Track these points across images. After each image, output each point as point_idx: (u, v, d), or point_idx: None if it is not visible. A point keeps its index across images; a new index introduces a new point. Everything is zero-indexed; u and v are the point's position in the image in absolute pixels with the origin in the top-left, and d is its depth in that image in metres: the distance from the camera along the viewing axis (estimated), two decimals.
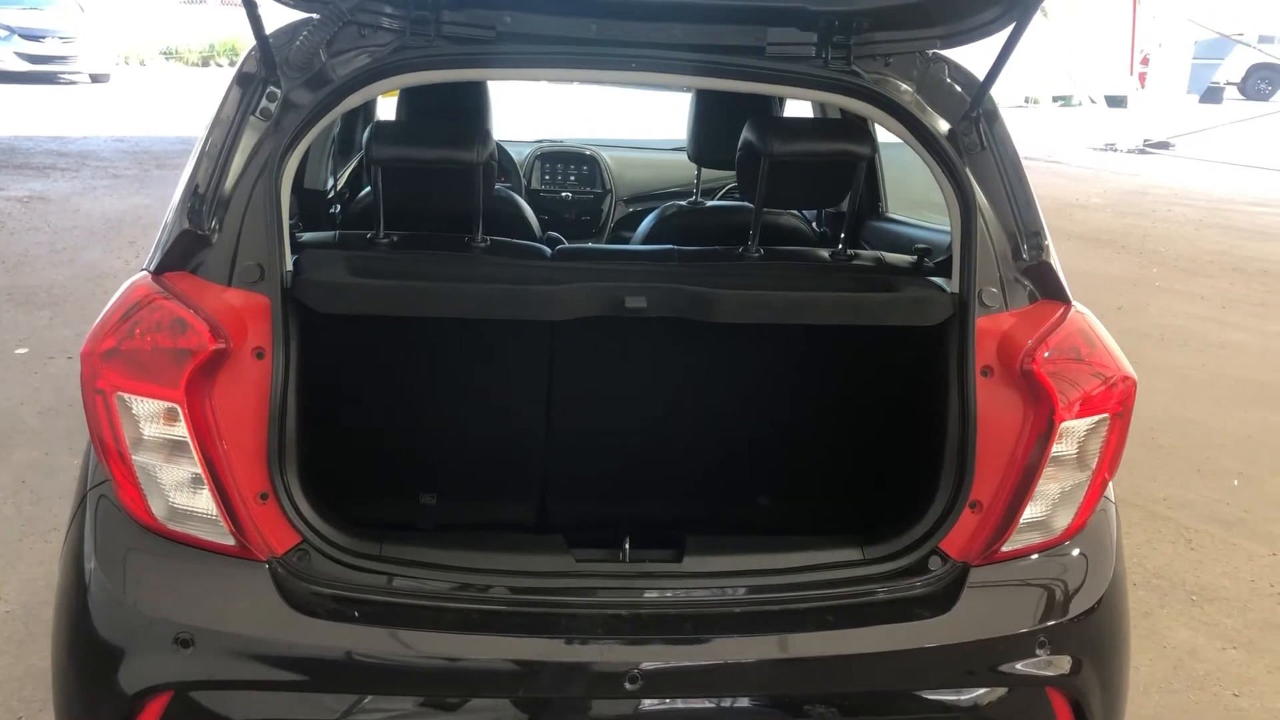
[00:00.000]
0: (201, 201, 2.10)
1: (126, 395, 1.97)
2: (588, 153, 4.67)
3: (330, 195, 3.76)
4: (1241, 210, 13.04)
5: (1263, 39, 26.78)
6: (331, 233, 2.48)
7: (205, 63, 22.59)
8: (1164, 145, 18.17)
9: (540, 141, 4.85)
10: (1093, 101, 22.06)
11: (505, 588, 2.04)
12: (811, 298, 2.29)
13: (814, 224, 3.52)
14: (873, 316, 2.28)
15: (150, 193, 10.28)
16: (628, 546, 2.17)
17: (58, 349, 6.04)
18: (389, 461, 2.62)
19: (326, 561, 2.04)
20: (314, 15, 2.19)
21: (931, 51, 2.36)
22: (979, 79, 2.37)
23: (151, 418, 1.98)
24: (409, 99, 3.07)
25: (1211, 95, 27.18)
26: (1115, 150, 18.00)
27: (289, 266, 2.14)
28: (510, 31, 2.24)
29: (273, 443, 2.02)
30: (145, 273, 2.13)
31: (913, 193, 3.63)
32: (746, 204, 3.81)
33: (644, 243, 3.31)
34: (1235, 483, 5.13)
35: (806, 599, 2.11)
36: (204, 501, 2.01)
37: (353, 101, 2.22)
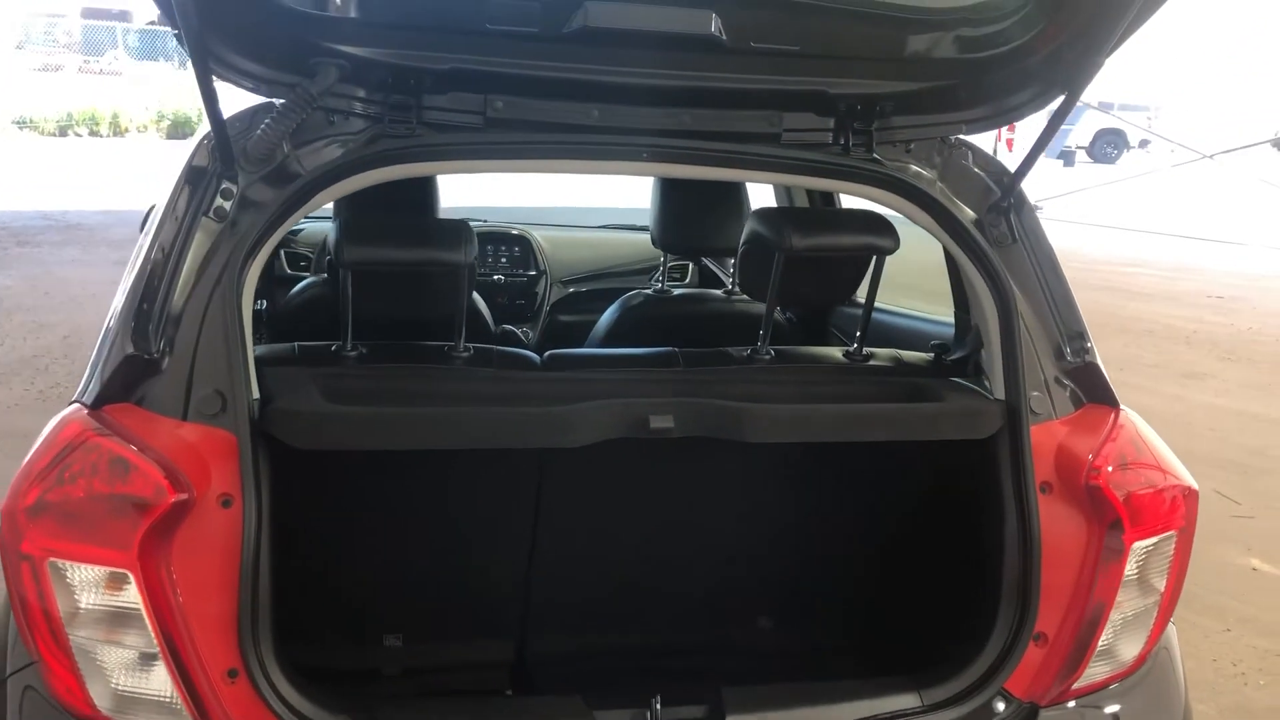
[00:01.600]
0: (148, 319, 1.77)
1: (61, 561, 1.61)
2: (516, 232, 4.41)
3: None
4: (1118, 270, 13.48)
5: (1103, 105, 28.13)
6: (289, 345, 2.15)
7: (63, 132, 21.57)
8: (1035, 208, 18.74)
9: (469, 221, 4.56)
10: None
11: None
12: (856, 412, 2.06)
13: (781, 311, 3.32)
14: (923, 431, 2.06)
15: (11, 272, 9.57)
16: (658, 706, 1.89)
17: None
18: (349, 602, 2.29)
19: None
20: (275, 100, 1.90)
21: (954, 137, 2.18)
22: (1003, 165, 2.21)
23: (92, 585, 1.64)
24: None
25: (1066, 158, 28.41)
26: None
27: (255, 394, 1.81)
28: (501, 118, 1.98)
29: (245, 609, 1.68)
30: (78, 405, 1.78)
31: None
32: (712, 291, 3.62)
33: (608, 335, 3.06)
34: None
35: None
36: (159, 683, 1.67)
37: (322, 200, 1.93)
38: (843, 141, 2.10)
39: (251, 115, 1.92)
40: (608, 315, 3.12)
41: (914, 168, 2.15)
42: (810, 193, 3.35)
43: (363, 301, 2.11)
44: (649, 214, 3.15)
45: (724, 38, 1.89)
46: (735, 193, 3.03)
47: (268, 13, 1.76)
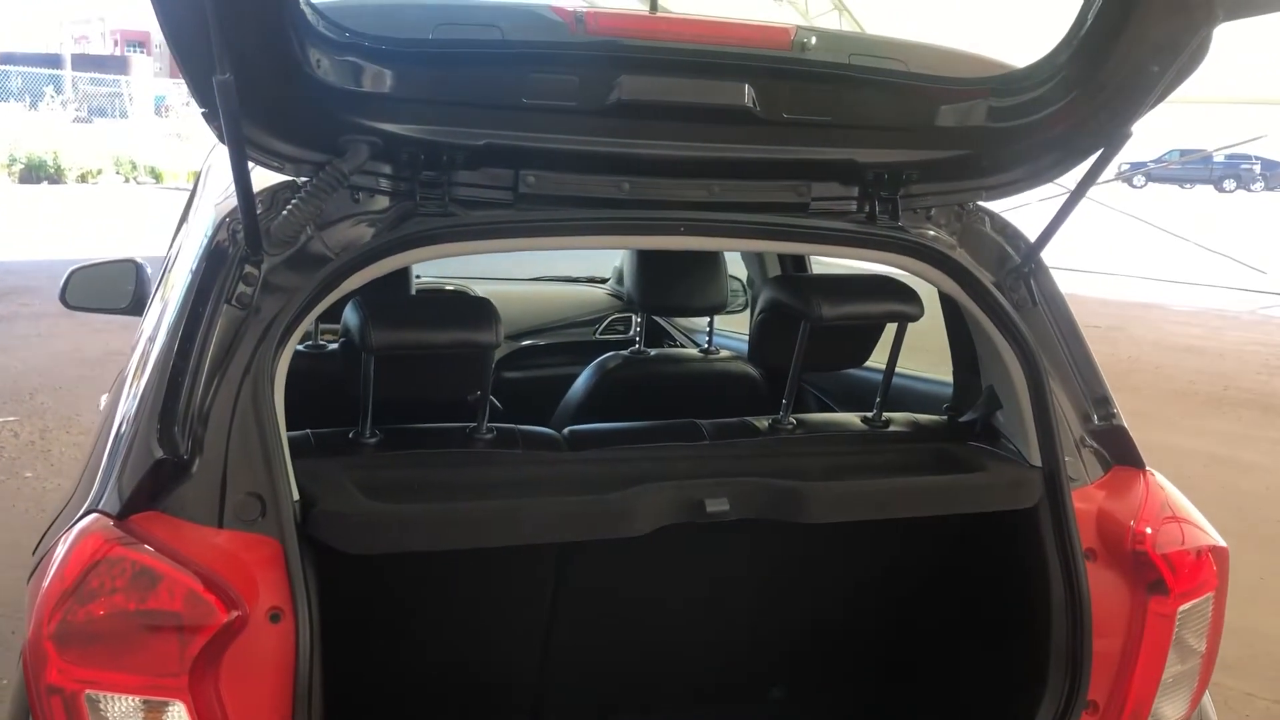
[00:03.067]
0: (173, 418, 1.63)
1: (98, 693, 1.46)
2: (451, 289, 4.28)
3: None
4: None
5: None
6: (302, 433, 2.01)
7: None
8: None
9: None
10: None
11: None
12: (909, 487, 2.03)
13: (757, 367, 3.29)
14: (973, 503, 2.04)
15: None
16: None
17: None
18: (366, 700, 2.15)
19: None
20: (301, 178, 1.78)
21: (972, 203, 2.18)
22: (1019, 229, 2.22)
23: (133, 713, 1.48)
24: None
25: None
26: None
27: (296, 495, 1.68)
28: (533, 193, 1.90)
29: None
30: (98, 515, 1.62)
31: None
32: (688, 351, 3.56)
33: (585, 398, 2.98)
34: None
35: None
36: None
37: (354, 283, 1.81)
38: (868, 209, 2.09)
39: (272, 195, 1.80)
40: (585, 378, 3.04)
41: (933, 233, 2.15)
42: (782, 256, 3.34)
43: (380, 383, 1.99)
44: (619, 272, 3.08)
45: (757, 109, 1.86)
46: (713, 255, 3.00)
47: (301, 89, 1.65)
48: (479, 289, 4.35)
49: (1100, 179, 2.03)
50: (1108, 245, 16.29)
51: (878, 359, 3.18)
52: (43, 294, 9.03)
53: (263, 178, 1.81)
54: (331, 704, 2.03)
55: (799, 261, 3.30)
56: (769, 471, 2.01)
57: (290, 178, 1.80)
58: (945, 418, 2.36)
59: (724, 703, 2.42)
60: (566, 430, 2.20)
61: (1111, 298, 13.08)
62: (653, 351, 3.24)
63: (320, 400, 2.05)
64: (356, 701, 2.13)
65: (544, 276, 4.75)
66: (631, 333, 3.42)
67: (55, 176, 21.88)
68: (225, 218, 1.78)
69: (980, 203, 2.19)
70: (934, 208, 2.15)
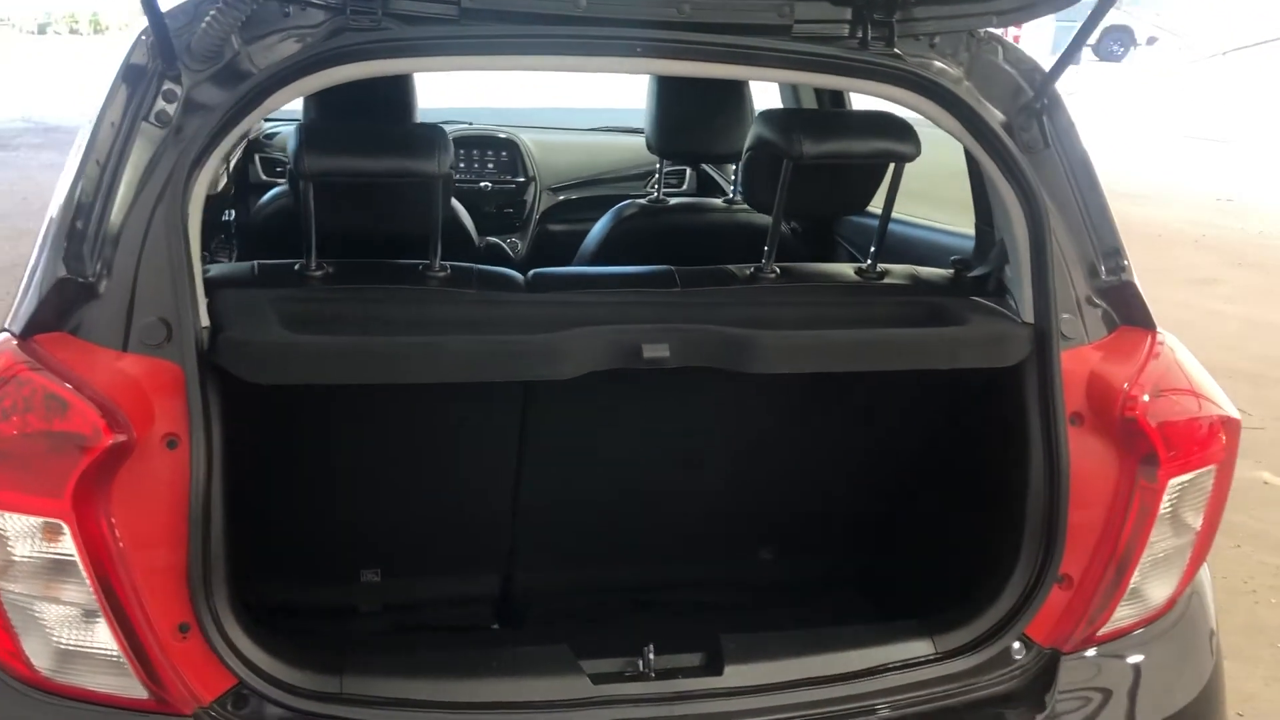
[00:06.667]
0: (82, 239, 1.58)
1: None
2: (504, 136, 4.16)
3: (217, 194, 3.18)
4: (1122, 174, 13.18)
5: None
6: (248, 264, 1.96)
7: (41, 30, 20.78)
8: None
9: (447, 122, 4.33)
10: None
11: None
12: (869, 339, 1.88)
13: (788, 221, 3.12)
14: (942, 359, 1.88)
15: None
16: (651, 656, 1.75)
17: None
18: (324, 539, 2.14)
19: (273, 708, 1.57)
20: None
21: (984, 30, 1.96)
22: (1036, 61, 2.00)
23: (25, 535, 1.48)
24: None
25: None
26: None
27: (205, 321, 1.63)
28: (477, 8, 1.76)
29: (195, 558, 1.53)
30: (6, 334, 1.60)
31: None
32: (711, 201, 3.40)
33: (599, 249, 2.87)
34: None
35: (876, 709, 1.72)
36: (102, 641, 1.52)
37: (278, 101, 1.72)
38: (860, 35, 1.89)
39: (195, 7, 1.71)
40: (599, 227, 2.92)
41: (938, 64, 1.95)
42: (819, 94, 3.13)
43: (327, 216, 1.92)
44: (644, 116, 2.93)
45: None
46: (738, 93, 2.81)
47: None
48: (528, 137, 4.24)
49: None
50: (1261, 112, 15.13)
51: (917, 211, 2.98)
52: None
53: None
54: (279, 537, 2.03)
55: (838, 100, 3.08)
56: (735, 321, 1.88)
57: None
58: (953, 271, 2.18)
59: (711, 561, 2.35)
60: (531, 273, 2.10)
61: (1249, 170, 12.25)
62: (672, 200, 3.09)
63: None
64: (313, 538, 2.12)
65: (601, 127, 4.59)
66: (655, 180, 3.26)
67: None
68: (142, 34, 1.69)
69: (992, 29, 1.97)
70: (938, 34, 1.94)
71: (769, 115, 2.13)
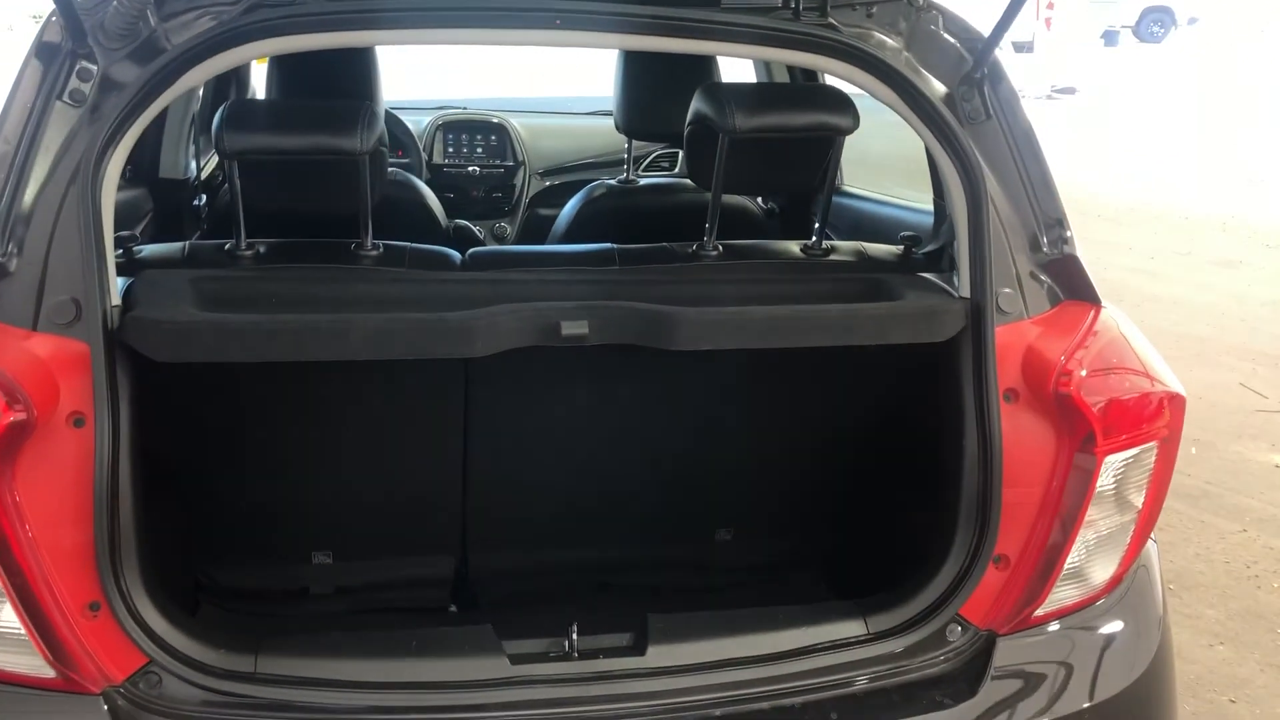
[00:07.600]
0: None
1: None
2: (495, 120, 4.15)
3: (195, 184, 3.20)
4: (1151, 156, 12.95)
5: None
6: (180, 244, 1.96)
7: None
8: (1069, 90, 18.09)
9: (441, 108, 4.32)
10: (999, 47, 21.85)
11: (422, 709, 1.59)
12: (792, 315, 1.85)
13: (760, 201, 3.07)
14: (871, 334, 1.85)
15: None
16: (575, 636, 1.73)
17: None
18: (272, 520, 2.14)
19: (185, 686, 1.57)
20: None
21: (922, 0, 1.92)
22: (979, 31, 1.95)
23: None
24: (281, 66, 2.54)
25: (1109, 38, 27.23)
26: (1024, 97, 17.81)
27: (115, 300, 1.63)
28: None
29: (101, 537, 1.53)
30: None
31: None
32: (683, 181, 3.37)
33: (570, 229, 2.84)
34: (1193, 450, 4.86)
35: (803, 690, 1.69)
36: (6, 619, 1.52)
37: (194, 78, 1.71)
38: (793, 5, 1.85)
39: None
40: (569, 207, 2.90)
41: (877, 35, 1.90)
42: (792, 71, 3.08)
43: (260, 196, 1.91)
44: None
45: None
46: (706, 69, 2.77)
47: None
48: (517, 122, 4.22)
49: None
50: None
51: (903, 190, 2.93)
52: None
53: None
54: (228, 520, 2.02)
55: (810, 75, 3.03)
56: (670, 300, 1.85)
57: None
58: (901, 248, 2.14)
59: (672, 542, 2.33)
60: (469, 252, 2.08)
61: None
62: (642, 181, 3.06)
63: None
64: (262, 521, 2.12)
65: (598, 111, 4.56)
66: (644, 163, 3.23)
67: None
68: (53, 11, 1.69)
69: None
70: (875, 4, 1.90)
71: (706, 89, 2.10)
